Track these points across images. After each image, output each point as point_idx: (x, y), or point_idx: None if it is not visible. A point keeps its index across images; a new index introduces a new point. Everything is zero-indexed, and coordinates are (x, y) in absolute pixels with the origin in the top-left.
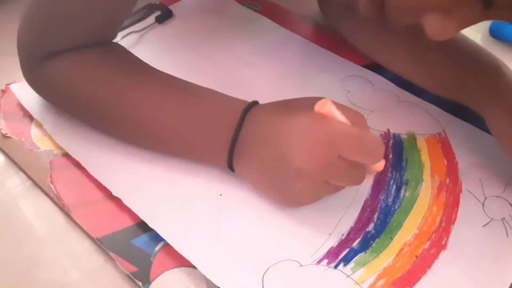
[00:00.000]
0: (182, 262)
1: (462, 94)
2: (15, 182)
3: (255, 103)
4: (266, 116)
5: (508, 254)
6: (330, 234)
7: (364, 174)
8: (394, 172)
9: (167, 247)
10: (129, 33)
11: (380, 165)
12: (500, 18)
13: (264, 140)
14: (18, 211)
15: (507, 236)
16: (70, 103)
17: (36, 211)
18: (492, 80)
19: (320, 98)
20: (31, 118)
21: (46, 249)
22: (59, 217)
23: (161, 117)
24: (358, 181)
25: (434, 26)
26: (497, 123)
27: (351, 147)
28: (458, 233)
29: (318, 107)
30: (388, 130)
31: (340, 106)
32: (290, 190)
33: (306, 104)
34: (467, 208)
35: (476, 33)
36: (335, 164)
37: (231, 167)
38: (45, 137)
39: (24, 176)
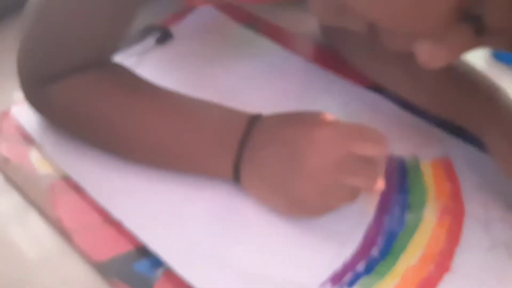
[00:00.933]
0: (184, 287)
1: (462, 117)
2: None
3: (260, 115)
4: (273, 124)
5: (511, 277)
6: (334, 257)
7: (377, 171)
8: (397, 195)
9: (169, 272)
10: (130, 55)
11: (380, 185)
12: (493, 45)
13: (271, 146)
14: (11, 233)
15: (510, 258)
16: (73, 123)
17: (29, 234)
18: (489, 105)
19: (323, 112)
20: (31, 141)
21: (39, 273)
22: (54, 241)
23: (165, 132)
24: (372, 177)
25: (425, 54)
26: (495, 147)
27: (357, 140)
28: (462, 256)
29: (323, 115)
30: (391, 153)
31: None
32: (299, 195)
33: (308, 115)
34: (470, 231)
35: (479, 55)
36: (346, 160)
37: (237, 177)
38: (45, 160)
39: (17, 199)
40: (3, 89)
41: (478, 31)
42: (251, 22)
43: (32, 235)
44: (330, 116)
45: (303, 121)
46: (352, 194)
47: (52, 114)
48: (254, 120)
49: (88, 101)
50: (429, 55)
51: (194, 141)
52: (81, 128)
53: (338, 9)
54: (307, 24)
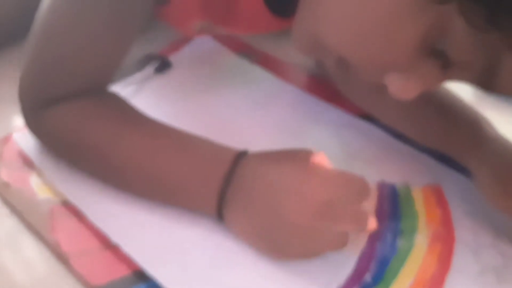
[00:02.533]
0: None
1: (447, 147)
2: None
3: (245, 152)
4: (257, 166)
5: None
6: (328, 282)
7: (363, 219)
8: (389, 222)
9: None
10: (130, 83)
11: (371, 225)
12: (460, 79)
13: (254, 191)
14: (3, 257)
15: (500, 283)
16: (68, 150)
17: (22, 259)
18: (473, 135)
19: (311, 151)
20: (31, 166)
21: None
22: (46, 265)
23: (153, 165)
24: (360, 219)
25: (395, 86)
26: (479, 178)
27: (340, 189)
28: (453, 282)
29: (314, 158)
30: (383, 180)
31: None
32: (282, 241)
33: (295, 156)
34: (461, 256)
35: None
36: (329, 206)
37: (220, 215)
38: (45, 185)
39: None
40: (5, 115)
41: (443, 65)
42: (247, 52)
43: (25, 260)
44: (317, 156)
45: (287, 167)
46: (341, 239)
47: (49, 139)
48: (239, 157)
49: (80, 129)
50: (399, 87)
51: (179, 176)
52: (75, 156)
53: (315, 44)
54: (300, 54)
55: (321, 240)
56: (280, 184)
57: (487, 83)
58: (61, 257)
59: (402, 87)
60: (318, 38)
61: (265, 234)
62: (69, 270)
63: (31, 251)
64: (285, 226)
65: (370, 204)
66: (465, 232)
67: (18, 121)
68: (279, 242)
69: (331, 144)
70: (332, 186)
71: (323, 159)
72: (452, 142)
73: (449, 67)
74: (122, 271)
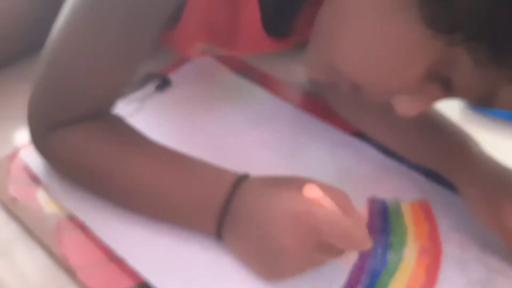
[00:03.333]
0: None
1: (435, 165)
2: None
3: (246, 176)
4: (255, 191)
5: None
6: None
7: (345, 253)
8: (379, 236)
9: None
10: (131, 101)
11: (367, 247)
12: (459, 97)
13: (251, 216)
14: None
15: None
16: (73, 171)
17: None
18: (460, 154)
19: (307, 180)
20: (37, 182)
21: None
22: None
23: (155, 187)
24: (339, 256)
25: (402, 107)
26: (466, 194)
27: (331, 233)
28: None
29: (306, 192)
30: (374, 196)
31: (326, 188)
32: (271, 265)
33: (293, 185)
34: (448, 270)
35: (455, 106)
36: (317, 245)
37: (219, 235)
38: (51, 200)
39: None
40: (14, 130)
41: (446, 88)
42: (245, 71)
43: (20, 270)
44: (313, 189)
45: (284, 195)
46: (319, 264)
47: (55, 161)
48: (239, 181)
49: (85, 152)
50: (405, 106)
51: (181, 199)
52: (80, 177)
53: (329, 70)
54: (297, 74)
55: (305, 266)
56: (274, 217)
57: (484, 101)
58: (68, 270)
59: (407, 107)
60: (332, 66)
61: (259, 257)
62: (76, 282)
63: (27, 260)
64: (274, 252)
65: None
66: (452, 246)
67: (25, 137)
68: (271, 266)
69: (325, 161)
70: (324, 229)
71: (318, 191)
72: (440, 160)
73: (450, 90)
74: (127, 283)
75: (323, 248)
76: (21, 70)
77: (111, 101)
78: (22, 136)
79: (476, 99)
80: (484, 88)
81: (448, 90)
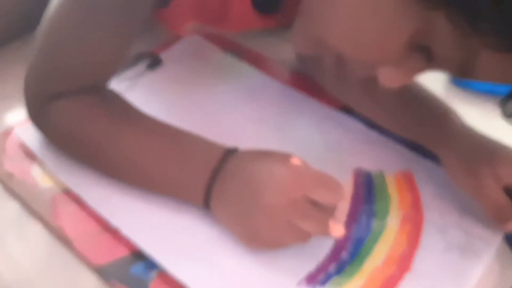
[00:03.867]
0: (176, 286)
1: (418, 136)
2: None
3: (235, 149)
4: (243, 161)
5: (462, 275)
6: (308, 260)
7: (327, 223)
8: (364, 205)
9: (162, 273)
10: (123, 79)
11: (338, 233)
12: (440, 69)
13: (238, 183)
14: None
15: (463, 259)
16: (68, 143)
17: (26, 242)
18: (442, 125)
19: (293, 154)
20: (32, 158)
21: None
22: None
23: (147, 159)
24: (322, 226)
25: (386, 78)
26: (447, 163)
27: (315, 186)
28: (421, 258)
29: (293, 159)
30: (359, 168)
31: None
32: (255, 227)
33: (280, 156)
34: (428, 235)
35: (438, 81)
36: (300, 202)
37: (207, 204)
38: (46, 175)
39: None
40: (9, 110)
41: (428, 58)
42: (234, 49)
43: (28, 244)
44: (297, 159)
45: (271, 160)
46: (303, 236)
47: (51, 133)
48: (229, 153)
49: (80, 124)
50: (389, 78)
51: (171, 166)
52: (74, 149)
53: (315, 42)
54: (285, 52)
55: (287, 233)
56: (261, 178)
57: (464, 73)
58: (65, 241)
59: (391, 78)
60: (319, 38)
61: (242, 221)
62: (73, 252)
63: (35, 235)
64: (259, 212)
65: (342, 208)
66: (433, 213)
67: (20, 116)
68: (252, 230)
69: (312, 135)
70: (307, 183)
71: (300, 161)
72: (423, 132)
73: (431, 60)
74: (121, 252)
75: (307, 212)
76: (15, 50)
77: (106, 75)
78: (16, 115)
79: (456, 69)
80: (463, 56)
81: (430, 60)
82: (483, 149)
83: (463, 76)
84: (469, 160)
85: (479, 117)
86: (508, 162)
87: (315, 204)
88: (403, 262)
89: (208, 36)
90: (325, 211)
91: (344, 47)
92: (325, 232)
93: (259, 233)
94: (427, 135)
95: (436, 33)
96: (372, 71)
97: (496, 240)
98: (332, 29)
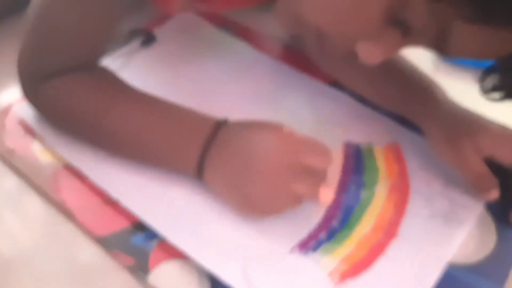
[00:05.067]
0: (176, 254)
1: (403, 109)
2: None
3: (225, 120)
4: (234, 131)
5: (445, 240)
6: (300, 228)
7: (317, 187)
8: (354, 176)
9: (162, 242)
10: (118, 56)
11: (327, 198)
12: (418, 44)
13: (230, 152)
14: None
15: (446, 226)
16: (63, 120)
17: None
18: (425, 98)
19: (281, 123)
20: (32, 134)
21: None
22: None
23: (141, 132)
24: (314, 189)
25: (364, 53)
26: (430, 135)
27: (306, 150)
28: (407, 225)
29: (285, 128)
30: (349, 140)
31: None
32: (250, 194)
33: (271, 124)
34: (414, 203)
35: (428, 56)
36: (293, 167)
37: (200, 174)
38: (46, 151)
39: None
40: (5, 88)
41: (405, 32)
42: (227, 25)
43: (27, 217)
44: (287, 128)
45: (262, 128)
46: (296, 200)
47: (45, 110)
48: (220, 124)
49: (74, 100)
50: (367, 53)
51: (164, 138)
52: (69, 125)
53: (296, 20)
54: (277, 27)
55: (280, 197)
56: (253, 145)
57: (441, 46)
58: (67, 213)
59: (370, 53)
60: (299, 15)
61: (236, 189)
62: (75, 224)
63: (33, 210)
64: (253, 178)
65: (333, 179)
66: (419, 183)
67: (17, 93)
68: (246, 197)
69: (303, 109)
70: (299, 149)
71: (291, 130)
72: (407, 105)
73: (408, 34)
74: (122, 223)
75: (301, 175)
76: (8, 28)
77: (97, 53)
78: (13, 93)
79: (432, 44)
80: (437, 28)
81: (406, 33)
82: (464, 122)
83: (440, 52)
84: (451, 133)
85: (466, 91)
86: (488, 134)
87: (306, 169)
88: (390, 229)
89: (201, 13)
90: (317, 175)
91: (321, 21)
92: (316, 195)
93: (253, 199)
94: (411, 109)
95: (410, 3)
96: (351, 47)
97: (477, 208)
98: (308, 3)
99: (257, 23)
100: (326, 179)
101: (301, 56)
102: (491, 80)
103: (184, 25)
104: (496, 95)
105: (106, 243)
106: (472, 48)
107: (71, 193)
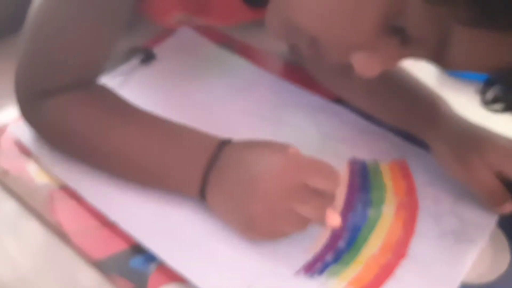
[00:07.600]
0: (175, 278)
1: (408, 125)
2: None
3: (229, 140)
4: (238, 152)
5: (457, 259)
6: (306, 249)
7: (324, 210)
8: (360, 194)
9: (161, 265)
10: (117, 74)
11: (336, 222)
12: (417, 55)
13: (233, 172)
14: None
15: (457, 244)
16: (61, 140)
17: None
18: (431, 113)
19: (288, 143)
20: (28, 154)
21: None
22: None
23: (141, 153)
24: (320, 212)
25: (360, 64)
26: (436, 151)
27: (312, 172)
28: (416, 244)
29: (291, 149)
30: (354, 157)
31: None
32: (253, 216)
33: (276, 145)
34: (423, 222)
35: (432, 70)
36: (299, 189)
37: (203, 195)
38: (42, 171)
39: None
40: (1, 108)
41: (403, 42)
42: (227, 42)
43: (25, 242)
44: (293, 148)
45: (268, 148)
46: (302, 223)
47: (43, 129)
48: (223, 144)
49: (72, 120)
50: (363, 64)
51: (166, 163)
52: (67, 145)
53: (287, 27)
54: (277, 45)
55: (285, 220)
56: (258, 166)
57: (442, 57)
58: (63, 236)
59: (365, 65)
60: (290, 22)
61: (239, 211)
62: (72, 247)
63: (31, 233)
64: (257, 200)
65: (339, 198)
66: (427, 201)
67: (13, 114)
68: (249, 219)
69: (307, 126)
70: (305, 170)
71: (297, 151)
72: (412, 120)
73: (407, 44)
74: (121, 246)
75: (306, 198)
76: (5, 48)
77: (95, 71)
78: (9, 113)
79: (432, 54)
80: (436, 36)
81: (405, 43)
82: (472, 137)
83: (441, 64)
84: (458, 149)
85: (470, 105)
86: (497, 149)
87: (313, 191)
88: (399, 249)
89: (201, 30)
90: (324, 198)
91: (314, 28)
92: (324, 218)
93: (257, 222)
94: (416, 124)
95: (407, 10)
96: (346, 57)
97: (489, 225)
98: (300, 9)
99: (257, 39)
100: (334, 202)
101: (302, 72)
102: (492, 91)
103: (184, 43)
104: (498, 106)
105: (103, 266)
106: (473, 57)
107: (67, 215)
